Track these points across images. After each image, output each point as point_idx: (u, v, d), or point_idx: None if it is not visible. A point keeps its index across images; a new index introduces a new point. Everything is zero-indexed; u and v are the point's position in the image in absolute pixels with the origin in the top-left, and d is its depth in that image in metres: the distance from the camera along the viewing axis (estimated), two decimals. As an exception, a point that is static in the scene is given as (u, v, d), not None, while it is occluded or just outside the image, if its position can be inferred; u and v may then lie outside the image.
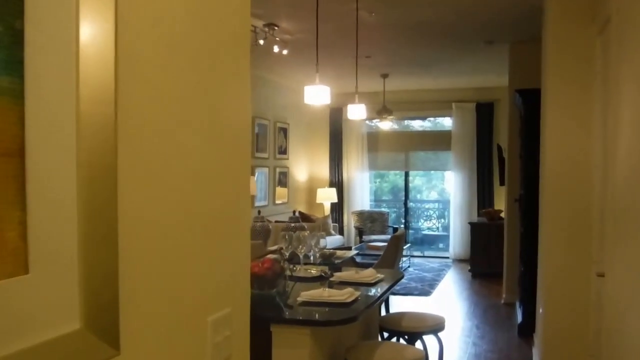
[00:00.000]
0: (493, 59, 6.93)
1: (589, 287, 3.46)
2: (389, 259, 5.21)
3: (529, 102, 4.91)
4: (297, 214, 8.04)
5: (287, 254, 3.22)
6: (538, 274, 4.41)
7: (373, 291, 2.94)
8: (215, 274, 1.15)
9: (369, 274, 3.16)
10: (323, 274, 3.20)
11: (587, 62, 3.46)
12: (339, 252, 4.48)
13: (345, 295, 2.62)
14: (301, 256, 3.24)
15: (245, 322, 1.29)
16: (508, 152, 6.50)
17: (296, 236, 3.17)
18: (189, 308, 1.05)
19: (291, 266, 3.25)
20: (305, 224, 4.59)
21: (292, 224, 4.43)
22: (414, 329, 3.22)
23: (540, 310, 4.07)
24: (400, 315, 3.37)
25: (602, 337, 2.79)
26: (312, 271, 3.25)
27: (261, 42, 5.17)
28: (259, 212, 5.70)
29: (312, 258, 3.47)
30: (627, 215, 2.28)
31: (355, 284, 2.99)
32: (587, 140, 3.50)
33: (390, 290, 3.19)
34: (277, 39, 5.38)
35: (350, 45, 5.41)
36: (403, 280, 7.18)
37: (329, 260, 4.16)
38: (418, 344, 3.31)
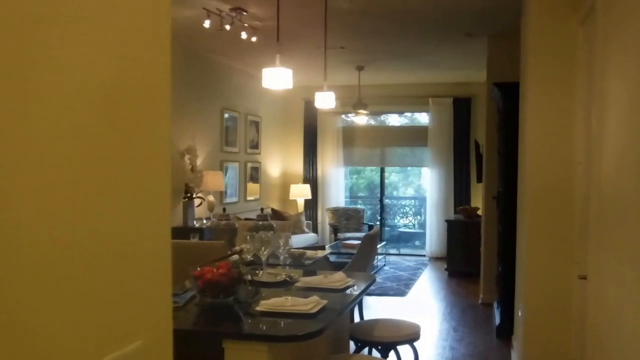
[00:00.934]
0: (471, 53, 6.76)
1: (571, 289, 3.30)
2: (363, 258, 4.97)
3: (508, 96, 4.73)
4: (268, 210, 7.74)
5: (249, 256, 2.92)
6: (517, 274, 4.24)
7: (342, 298, 2.67)
8: (115, 293, 0.85)
9: (337, 279, 2.89)
10: (288, 279, 2.92)
11: (568, 53, 3.37)
12: (309, 252, 4.18)
13: (310, 304, 2.34)
14: (264, 259, 2.94)
15: (165, 358, 1.00)
16: (486, 149, 6.34)
17: (258, 237, 2.86)
18: (70, 348, 0.76)
19: (254, 270, 2.96)
20: (274, 222, 4.31)
21: (260, 222, 4.13)
22: (388, 339, 2.97)
23: (520, 313, 3.89)
24: (373, 324, 3.11)
25: (586, 342, 2.61)
26: (277, 276, 2.95)
27: (227, 27, 4.85)
28: (224, 209, 5.40)
29: (281, 259, 3.19)
30: (613, 215, 2.09)
31: (323, 290, 2.71)
32: (569, 136, 3.36)
33: (361, 297, 2.93)
34: (245, 25, 5.07)
35: (326, 34, 5.13)
36: (378, 280, 6.95)
37: (298, 261, 3.87)
38: (392, 354, 3.07)
